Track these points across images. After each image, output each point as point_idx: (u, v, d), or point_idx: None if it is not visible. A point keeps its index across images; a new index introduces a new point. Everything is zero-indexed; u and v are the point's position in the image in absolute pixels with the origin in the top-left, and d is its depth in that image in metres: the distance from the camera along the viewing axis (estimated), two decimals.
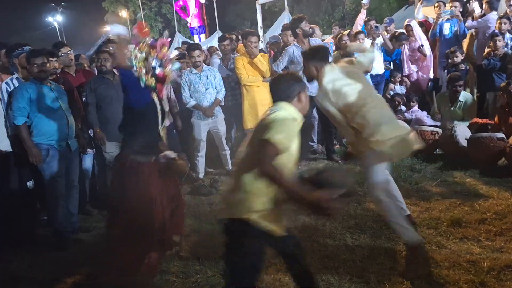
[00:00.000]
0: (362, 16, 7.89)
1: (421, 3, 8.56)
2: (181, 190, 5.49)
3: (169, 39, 3.71)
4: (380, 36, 7.28)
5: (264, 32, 12.12)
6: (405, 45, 7.40)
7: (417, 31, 7.29)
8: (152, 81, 3.20)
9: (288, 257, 2.63)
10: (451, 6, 6.98)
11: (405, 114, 6.87)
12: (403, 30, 7.51)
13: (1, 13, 29.09)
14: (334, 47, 7.40)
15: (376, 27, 7.16)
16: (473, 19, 7.36)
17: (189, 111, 5.84)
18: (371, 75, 6.99)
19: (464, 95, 5.97)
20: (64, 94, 4.41)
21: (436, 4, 7.22)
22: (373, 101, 3.46)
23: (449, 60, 6.63)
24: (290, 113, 2.42)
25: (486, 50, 6.38)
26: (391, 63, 7.62)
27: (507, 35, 6.33)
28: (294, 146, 2.39)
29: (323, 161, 6.14)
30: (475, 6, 7.69)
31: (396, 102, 7.09)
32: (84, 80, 5.18)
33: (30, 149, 4.14)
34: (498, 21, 6.42)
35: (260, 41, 7.52)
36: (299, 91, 2.52)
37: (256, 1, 12.56)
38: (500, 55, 6.10)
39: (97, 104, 4.85)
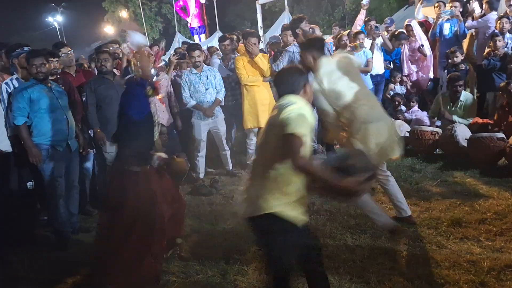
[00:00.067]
0: (361, 17, 7.89)
1: (421, 3, 8.56)
2: (181, 190, 5.53)
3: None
4: (380, 36, 7.28)
5: (264, 32, 12.12)
6: (405, 45, 7.41)
7: (417, 31, 7.29)
8: (151, 91, 3.30)
9: (307, 251, 2.61)
10: (451, 6, 6.98)
11: (405, 114, 6.87)
12: (403, 30, 7.51)
13: (1, 13, 29.08)
14: (334, 47, 7.39)
15: (376, 27, 7.16)
16: (473, 19, 7.36)
17: (189, 111, 5.84)
18: (371, 75, 7.00)
19: (465, 95, 5.97)
20: (64, 94, 4.42)
21: (436, 4, 7.22)
22: (365, 99, 3.48)
23: (449, 60, 6.63)
24: (303, 105, 2.46)
25: (486, 50, 6.38)
26: (391, 62, 7.62)
27: (507, 35, 6.33)
28: (309, 137, 2.43)
29: None
30: (475, 6, 7.69)
31: (396, 102, 7.09)
32: (84, 80, 5.18)
33: (30, 149, 4.14)
34: (498, 21, 6.41)
35: (260, 41, 7.52)
36: (304, 83, 2.57)
37: (256, 1, 12.57)
38: (500, 55, 6.10)
39: (97, 104, 4.86)
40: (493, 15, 6.71)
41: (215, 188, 5.47)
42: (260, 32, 11.52)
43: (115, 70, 5.23)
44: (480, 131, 5.35)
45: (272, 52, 6.94)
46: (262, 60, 5.76)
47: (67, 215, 4.39)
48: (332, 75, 3.45)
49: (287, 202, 2.40)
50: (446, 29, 7.09)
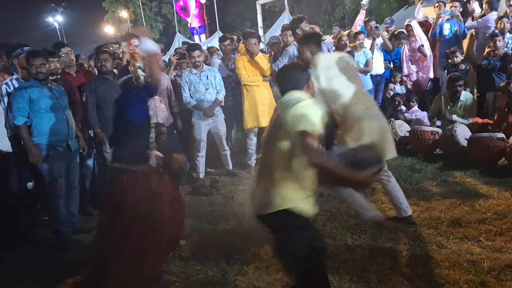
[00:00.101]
0: (361, 17, 7.90)
1: (421, 3, 8.57)
2: (182, 190, 5.53)
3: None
4: (380, 36, 7.29)
5: (264, 32, 12.12)
6: (405, 45, 7.41)
7: (417, 31, 7.29)
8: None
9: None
10: (451, 6, 6.99)
11: (405, 114, 6.87)
12: (403, 30, 7.51)
13: (1, 13, 29.11)
14: (334, 47, 7.40)
15: (376, 27, 7.17)
16: (473, 19, 7.36)
17: (189, 111, 5.84)
18: (371, 75, 7.01)
19: (465, 95, 5.97)
20: (64, 95, 4.41)
21: (436, 4, 7.22)
22: (361, 98, 3.49)
23: (449, 60, 6.63)
24: (313, 102, 2.48)
25: (486, 50, 6.38)
26: (391, 62, 7.62)
27: (507, 35, 6.33)
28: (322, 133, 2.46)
29: None
30: (475, 6, 7.69)
31: (396, 102, 7.09)
32: (84, 80, 5.18)
33: (30, 149, 4.14)
34: (498, 21, 6.40)
35: (260, 41, 7.52)
36: (307, 79, 2.59)
37: (257, 1, 12.57)
38: (500, 55, 6.10)
39: (97, 104, 4.86)
40: (493, 15, 6.71)
41: (215, 188, 5.48)
42: (260, 32, 11.52)
43: (115, 70, 5.24)
44: (480, 131, 5.35)
45: (272, 52, 6.94)
46: (263, 59, 5.76)
47: (67, 215, 4.39)
48: (330, 72, 3.46)
49: (300, 197, 2.42)
50: (446, 29, 7.09)
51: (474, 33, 7.19)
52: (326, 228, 3.97)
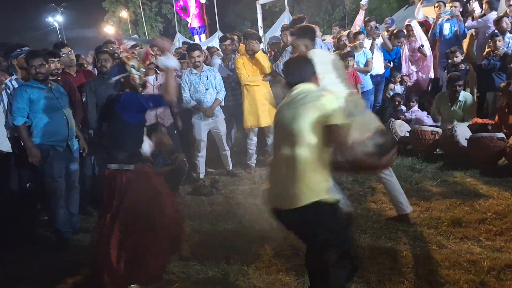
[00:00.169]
0: (361, 17, 7.91)
1: (421, 3, 8.57)
2: (182, 190, 5.54)
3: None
4: (380, 36, 7.29)
5: (265, 32, 12.13)
6: (405, 45, 7.42)
7: (418, 31, 7.29)
8: (140, 89, 3.33)
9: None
10: (451, 6, 6.99)
11: (405, 114, 6.87)
12: (403, 29, 7.52)
13: (1, 13, 29.11)
14: (334, 47, 7.40)
15: (376, 27, 7.17)
16: (473, 19, 7.36)
17: (189, 111, 5.84)
18: (371, 75, 7.02)
19: (464, 95, 5.97)
20: (64, 95, 4.41)
21: (436, 4, 7.22)
22: (350, 95, 3.52)
23: (449, 60, 6.63)
24: (333, 94, 2.53)
25: (486, 50, 6.38)
26: (391, 62, 7.62)
27: (507, 35, 6.32)
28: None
29: None
30: (475, 6, 7.70)
31: (396, 102, 7.09)
32: (85, 81, 5.18)
33: (30, 150, 4.14)
34: (498, 21, 6.38)
35: (260, 42, 7.53)
36: (313, 71, 2.62)
37: (257, 1, 12.59)
38: (500, 55, 6.10)
39: (97, 105, 4.84)
40: (493, 15, 6.71)
41: (215, 188, 5.48)
42: (260, 32, 11.53)
43: None
44: (480, 131, 5.35)
45: (272, 52, 6.94)
46: (263, 57, 5.75)
47: (67, 215, 4.39)
48: (323, 68, 3.48)
49: (327, 187, 2.47)
50: (446, 29, 7.09)
51: (474, 33, 7.20)
52: None
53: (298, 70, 2.61)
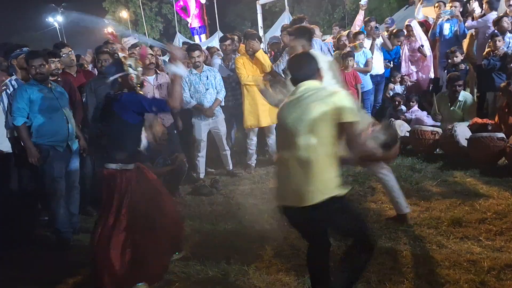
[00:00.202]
0: (360, 17, 7.92)
1: (421, 3, 8.57)
2: (182, 190, 5.54)
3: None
4: (380, 36, 7.29)
5: (265, 32, 12.13)
6: (405, 45, 7.42)
7: (418, 31, 7.29)
8: (138, 88, 3.30)
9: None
10: (451, 6, 6.99)
11: (405, 114, 6.87)
12: (402, 29, 7.53)
13: (1, 13, 29.12)
14: (334, 48, 7.40)
15: (376, 27, 7.17)
16: (473, 19, 7.36)
17: (189, 111, 5.84)
18: (371, 75, 7.02)
19: (464, 95, 5.97)
20: (64, 95, 4.41)
21: (436, 4, 7.22)
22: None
23: (449, 60, 6.63)
24: (344, 92, 2.58)
25: (486, 50, 6.38)
26: (391, 61, 7.63)
27: (508, 34, 6.32)
28: None
29: None
30: (475, 6, 7.70)
31: (396, 102, 7.09)
32: (85, 81, 5.18)
33: (30, 150, 4.14)
34: (498, 21, 6.38)
35: (260, 42, 7.54)
36: (318, 67, 2.65)
37: (257, 1, 12.59)
38: (500, 55, 6.10)
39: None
40: (493, 15, 6.71)
41: (215, 188, 5.48)
42: (260, 32, 11.54)
43: None
44: (480, 131, 5.35)
45: (272, 52, 6.95)
46: (264, 55, 5.75)
47: (67, 215, 4.39)
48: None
49: (339, 183, 2.53)
50: (446, 29, 7.09)
51: (474, 33, 7.20)
52: None
53: (303, 66, 2.63)
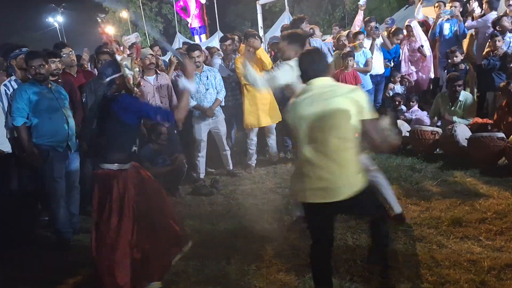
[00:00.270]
0: (359, 17, 7.92)
1: (421, 3, 8.57)
2: (182, 190, 5.54)
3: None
4: (380, 36, 7.29)
5: (265, 32, 12.13)
6: (405, 45, 7.42)
7: (418, 31, 7.30)
8: (135, 88, 3.27)
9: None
10: (451, 6, 6.99)
11: (405, 114, 6.87)
12: (400, 28, 7.54)
13: (1, 13, 29.10)
14: (334, 48, 7.40)
15: (376, 27, 7.17)
16: (473, 19, 7.37)
17: (189, 111, 5.83)
18: (371, 75, 7.01)
19: (464, 95, 5.97)
20: (64, 95, 4.41)
21: (436, 4, 7.23)
22: None
23: (449, 60, 6.63)
24: (361, 89, 2.70)
25: (485, 50, 6.37)
26: (391, 61, 7.63)
27: (508, 34, 6.32)
28: None
29: None
30: (475, 6, 7.70)
31: (396, 102, 7.09)
32: (85, 81, 5.17)
33: (29, 150, 4.14)
34: (498, 20, 6.37)
35: (261, 42, 7.53)
36: (328, 64, 2.73)
37: (257, 1, 12.58)
38: (500, 55, 6.10)
39: None
40: (493, 15, 6.71)
41: (215, 188, 5.48)
42: (261, 32, 11.53)
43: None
44: (480, 131, 5.35)
45: (273, 52, 6.94)
46: (264, 54, 5.75)
47: (67, 215, 4.39)
48: None
49: (362, 172, 2.64)
50: (446, 29, 7.10)
51: (474, 33, 7.20)
52: None
53: (316, 63, 2.66)
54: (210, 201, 5.15)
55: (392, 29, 7.60)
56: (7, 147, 4.34)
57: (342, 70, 6.53)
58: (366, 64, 6.93)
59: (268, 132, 6.08)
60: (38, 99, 4.14)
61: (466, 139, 5.26)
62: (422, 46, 7.20)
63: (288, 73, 3.66)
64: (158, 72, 5.62)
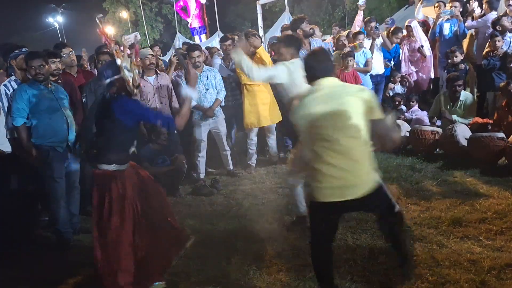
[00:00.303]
0: (359, 18, 7.92)
1: (421, 3, 8.57)
2: (182, 190, 5.54)
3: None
4: (380, 36, 7.29)
5: (265, 32, 12.15)
6: (405, 46, 7.42)
7: (418, 31, 7.29)
8: (135, 89, 3.26)
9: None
10: (451, 6, 6.99)
11: (405, 114, 6.87)
12: (400, 27, 7.54)
13: (1, 13, 29.13)
14: (334, 48, 7.40)
15: (376, 27, 7.17)
16: (473, 19, 7.36)
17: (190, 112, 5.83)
18: (371, 75, 7.02)
19: (464, 95, 5.97)
20: (64, 95, 4.41)
21: (436, 4, 7.23)
22: None
23: (449, 60, 6.63)
24: (370, 90, 2.80)
25: (485, 50, 6.37)
26: (391, 61, 7.63)
27: (508, 34, 6.32)
28: None
29: None
30: (475, 6, 7.70)
31: (396, 102, 7.09)
32: (85, 81, 5.18)
33: (29, 151, 4.14)
34: (498, 20, 6.36)
35: (261, 41, 7.53)
36: (334, 64, 2.77)
37: (257, 1, 12.59)
38: (500, 55, 6.10)
39: None
40: (493, 15, 6.71)
41: (215, 188, 5.48)
42: (260, 32, 11.55)
43: None
44: (480, 131, 5.35)
45: (273, 52, 6.94)
46: (264, 52, 5.75)
47: (68, 215, 4.39)
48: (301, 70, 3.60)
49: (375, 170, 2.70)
50: (446, 29, 7.09)
51: (474, 33, 7.20)
52: None
53: (323, 63, 2.68)
54: (210, 201, 5.15)
55: (391, 29, 7.61)
56: (7, 147, 4.34)
57: (342, 70, 6.53)
58: (366, 64, 6.93)
59: (268, 132, 6.08)
60: (38, 99, 4.14)
61: (466, 139, 5.26)
62: (422, 46, 7.19)
63: (283, 72, 3.68)
64: (158, 72, 5.62)
